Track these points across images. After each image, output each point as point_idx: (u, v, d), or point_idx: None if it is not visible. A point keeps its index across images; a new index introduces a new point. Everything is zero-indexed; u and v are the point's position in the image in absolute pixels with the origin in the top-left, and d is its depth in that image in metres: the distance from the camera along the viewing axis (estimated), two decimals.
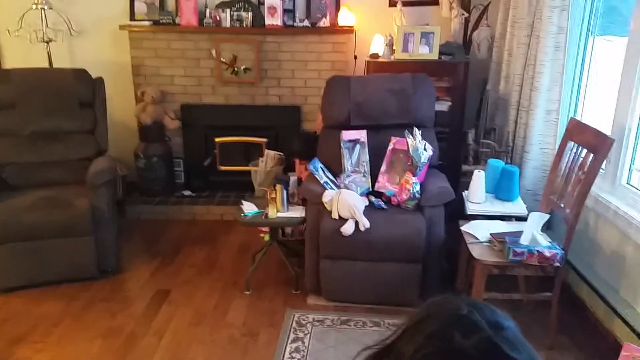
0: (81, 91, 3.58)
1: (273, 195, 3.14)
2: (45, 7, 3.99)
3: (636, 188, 2.63)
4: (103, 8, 4.21)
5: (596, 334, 2.71)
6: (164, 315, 2.92)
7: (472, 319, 0.69)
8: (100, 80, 3.67)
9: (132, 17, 4.18)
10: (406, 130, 3.14)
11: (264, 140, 3.96)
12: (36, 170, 3.47)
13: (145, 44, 4.15)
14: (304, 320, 2.85)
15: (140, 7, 4.18)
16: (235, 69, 4.09)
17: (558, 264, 2.47)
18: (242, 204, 3.24)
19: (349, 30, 4.05)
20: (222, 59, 4.08)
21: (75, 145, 3.56)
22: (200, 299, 3.07)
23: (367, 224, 2.87)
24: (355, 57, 4.12)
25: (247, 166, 3.76)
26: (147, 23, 4.10)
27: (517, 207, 2.98)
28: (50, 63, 4.11)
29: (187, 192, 4.28)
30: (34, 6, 3.95)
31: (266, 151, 3.71)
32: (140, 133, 4.17)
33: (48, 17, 4.04)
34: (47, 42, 4.05)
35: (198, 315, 2.92)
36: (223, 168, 4.10)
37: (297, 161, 3.65)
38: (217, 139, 4.05)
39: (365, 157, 3.29)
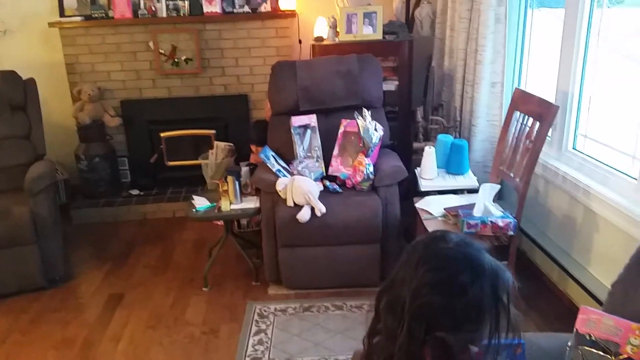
0: (11, 94, 3.38)
1: (225, 188, 3.06)
2: None
3: (582, 152, 2.70)
4: (30, 5, 3.99)
5: (552, 297, 2.77)
6: (119, 320, 2.80)
7: (448, 234, 1.01)
8: (31, 82, 3.47)
9: (62, 13, 3.98)
10: (355, 112, 3.11)
11: (213, 132, 3.84)
12: None
13: (78, 41, 3.96)
14: (265, 311, 2.80)
15: (70, 2, 3.97)
16: (176, 60, 3.96)
17: (512, 233, 2.50)
18: (193, 199, 3.13)
19: (291, 14, 3.98)
20: (160, 50, 3.94)
21: (10, 152, 3.35)
22: (156, 300, 2.97)
23: (323, 209, 2.84)
24: (300, 42, 4.05)
25: (197, 160, 3.64)
26: (78, 19, 3.91)
27: (468, 180, 3.01)
28: None
29: (134, 192, 4.13)
30: None
31: (215, 143, 3.60)
32: (80, 133, 3.98)
33: None
34: None
35: (155, 316, 2.82)
36: (171, 163, 3.95)
37: (253, 147, 3.57)
38: (162, 134, 3.90)
39: (317, 141, 3.24)
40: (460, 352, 0.96)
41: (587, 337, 1.38)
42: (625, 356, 1.31)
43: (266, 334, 2.61)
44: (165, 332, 2.69)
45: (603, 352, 1.34)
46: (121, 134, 4.15)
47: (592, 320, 1.39)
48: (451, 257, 0.97)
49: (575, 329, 1.41)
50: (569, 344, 1.42)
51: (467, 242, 1.01)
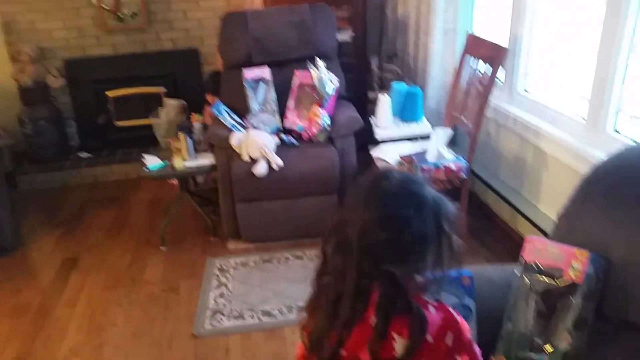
0: None
1: (178, 145, 2.99)
2: None
3: (533, 95, 2.73)
4: None
5: (503, 234, 2.86)
6: (74, 284, 2.74)
7: (391, 172, 1.05)
8: None
9: None
10: (308, 62, 3.05)
11: (162, 89, 3.71)
12: None
13: None
14: (225, 265, 2.78)
15: None
16: (120, 14, 3.77)
17: (464, 175, 2.54)
18: (143, 159, 3.04)
19: None
20: (103, 5, 3.74)
21: None
22: (112, 262, 2.91)
23: (280, 162, 2.81)
24: None
25: (147, 119, 3.52)
26: None
27: (422, 127, 3.02)
28: None
29: (83, 154, 3.99)
30: None
31: (166, 100, 3.49)
32: (22, 96, 3.79)
33: None
34: None
35: (112, 278, 2.77)
36: (121, 124, 3.82)
37: (209, 97, 3.46)
38: (109, 93, 3.74)
39: (272, 94, 3.18)
40: (405, 282, 0.98)
41: (534, 266, 1.42)
42: (569, 281, 1.35)
43: (227, 287, 2.61)
44: (124, 292, 2.65)
45: (548, 277, 1.38)
46: (66, 95, 3.97)
47: (538, 248, 1.43)
48: (395, 193, 1.01)
49: (521, 258, 1.44)
50: (517, 272, 1.46)
51: (410, 177, 1.05)
